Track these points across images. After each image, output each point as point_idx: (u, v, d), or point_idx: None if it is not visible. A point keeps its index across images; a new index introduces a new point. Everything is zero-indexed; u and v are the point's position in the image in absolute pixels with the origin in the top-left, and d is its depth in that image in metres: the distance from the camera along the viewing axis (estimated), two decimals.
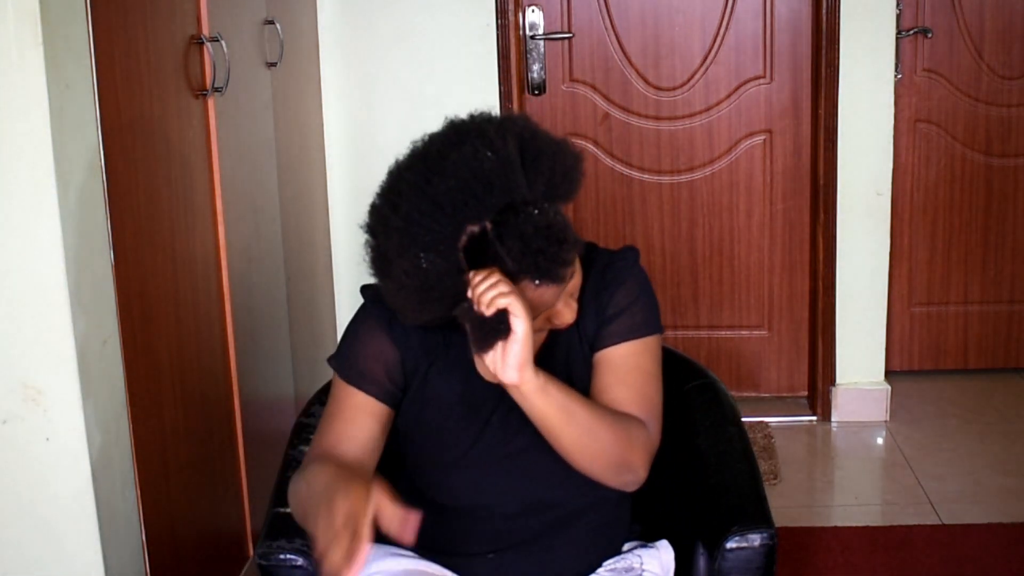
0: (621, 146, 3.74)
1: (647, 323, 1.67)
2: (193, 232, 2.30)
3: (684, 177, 3.75)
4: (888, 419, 3.70)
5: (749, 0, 3.62)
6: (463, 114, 1.54)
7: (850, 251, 3.63)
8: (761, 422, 3.67)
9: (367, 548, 1.33)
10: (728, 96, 3.69)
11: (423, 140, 1.51)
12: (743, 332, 3.85)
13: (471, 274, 1.44)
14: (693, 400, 1.92)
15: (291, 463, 1.79)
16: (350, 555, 1.31)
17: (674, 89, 3.70)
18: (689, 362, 2.01)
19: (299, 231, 3.14)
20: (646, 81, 3.69)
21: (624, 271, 1.68)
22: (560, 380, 1.54)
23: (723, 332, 3.85)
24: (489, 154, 1.43)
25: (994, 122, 3.85)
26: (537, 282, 1.46)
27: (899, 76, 3.72)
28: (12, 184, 1.72)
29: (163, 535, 2.10)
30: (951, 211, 3.92)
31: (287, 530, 1.70)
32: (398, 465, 1.76)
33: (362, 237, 1.54)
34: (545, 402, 1.51)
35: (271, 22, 2.79)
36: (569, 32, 3.65)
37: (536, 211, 1.43)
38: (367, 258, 1.52)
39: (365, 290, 1.67)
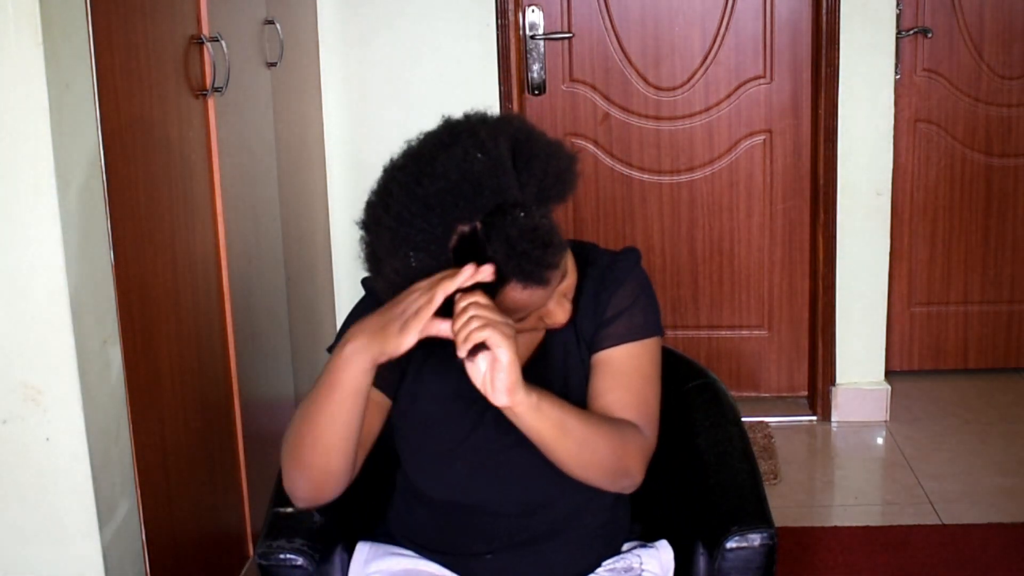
0: (621, 146, 3.74)
1: (646, 325, 1.66)
2: (193, 232, 2.30)
3: (684, 177, 3.75)
4: (888, 419, 3.70)
5: (749, 0, 3.62)
6: (460, 114, 1.54)
7: (850, 251, 3.63)
8: (761, 422, 3.67)
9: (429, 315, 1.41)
10: (728, 96, 3.69)
11: (417, 139, 1.51)
12: (743, 332, 3.85)
13: (457, 298, 1.43)
14: (693, 400, 1.92)
15: None
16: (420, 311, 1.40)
17: (674, 89, 3.70)
18: (689, 362, 2.00)
19: (299, 231, 3.14)
20: (646, 81, 3.69)
21: (624, 272, 1.68)
22: (555, 390, 1.54)
23: (723, 332, 3.85)
24: (479, 155, 1.43)
25: (994, 122, 3.85)
26: (524, 285, 1.46)
27: (899, 76, 3.72)
28: (12, 184, 1.72)
29: (163, 535, 2.10)
30: (951, 211, 3.92)
31: (287, 530, 1.69)
32: (396, 463, 1.76)
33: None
34: (539, 420, 1.50)
35: (271, 22, 2.79)
36: (569, 32, 3.65)
37: (523, 214, 1.42)
38: (362, 254, 1.53)
39: (366, 282, 1.68)
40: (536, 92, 3.67)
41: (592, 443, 1.55)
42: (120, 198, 1.94)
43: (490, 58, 3.51)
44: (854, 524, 3.02)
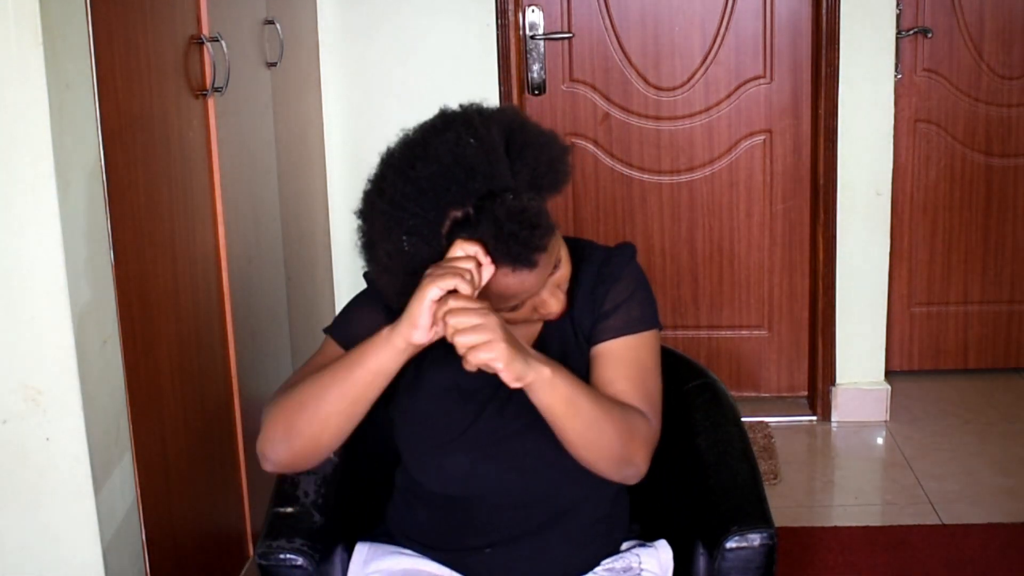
0: (621, 146, 3.74)
1: (644, 318, 1.67)
2: (193, 232, 2.30)
3: (684, 177, 3.75)
4: (888, 419, 3.70)
5: (749, 0, 3.62)
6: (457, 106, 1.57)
7: (850, 251, 3.63)
8: (761, 422, 3.67)
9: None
10: (728, 96, 3.69)
11: (414, 128, 1.54)
12: (743, 332, 3.85)
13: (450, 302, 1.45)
14: (693, 400, 1.92)
15: None
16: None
17: (674, 89, 3.70)
18: (689, 362, 2.01)
19: (299, 231, 3.14)
20: (646, 81, 3.69)
21: (620, 266, 1.69)
22: (568, 370, 1.55)
23: (723, 332, 3.85)
24: (472, 141, 1.46)
25: (994, 122, 3.85)
26: (512, 268, 1.47)
27: (899, 76, 3.72)
28: (12, 184, 1.72)
29: (163, 535, 2.10)
30: (951, 211, 3.92)
31: (287, 530, 1.70)
32: (396, 463, 1.77)
33: None
34: (551, 396, 1.52)
35: (271, 22, 2.79)
36: (569, 32, 3.65)
37: (512, 196, 1.45)
38: (359, 243, 1.55)
39: (368, 275, 1.69)
40: (536, 92, 3.67)
41: (600, 424, 1.55)
42: (120, 198, 1.94)
43: (490, 58, 3.51)
44: (854, 524, 3.02)
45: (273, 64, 2.81)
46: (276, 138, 2.85)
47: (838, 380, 3.71)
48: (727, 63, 3.67)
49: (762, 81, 3.67)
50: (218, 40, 2.34)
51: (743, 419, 1.91)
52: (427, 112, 1.57)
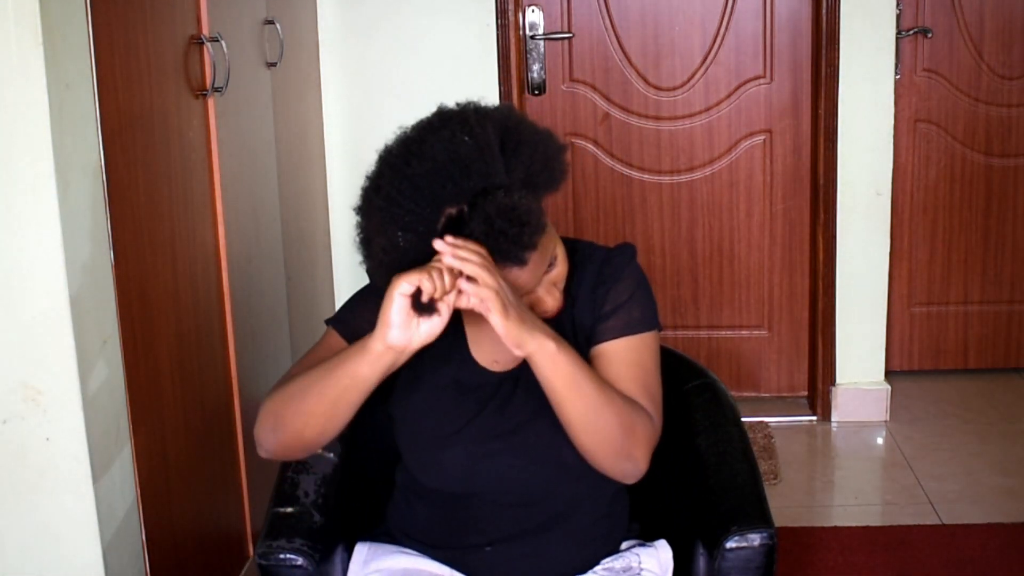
0: (621, 146, 3.74)
1: (644, 319, 1.68)
2: (193, 232, 2.30)
3: (684, 177, 3.75)
4: (888, 419, 3.70)
5: (749, 0, 3.62)
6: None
7: (850, 251, 3.63)
8: (761, 422, 3.67)
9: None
10: (728, 96, 3.69)
11: (411, 126, 1.56)
12: (743, 332, 3.85)
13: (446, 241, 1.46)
14: (693, 400, 1.92)
15: (291, 462, 1.79)
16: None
17: (674, 89, 3.70)
18: (689, 362, 2.01)
19: (299, 231, 3.14)
20: (646, 81, 3.69)
21: (620, 267, 1.69)
22: (581, 358, 1.56)
23: (723, 332, 3.85)
24: (467, 139, 1.48)
25: (994, 122, 3.85)
26: (502, 265, 1.49)
27: (899, 76, 3.72)
28: (12, 184, 1.72)
29: (163, 535, 2.10)
30: (951, 211, 3.92)
31: (287, 530, 1.70)
32: (395, 462, 1.77)
33: None
34: (553, 371, 1.53)
35: (271, 22, 2.79)
36: (569, 32, 3.65)
37: (504, 194, 1.46)
38: (356, 239, 1.57)
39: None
40: (536, 92, 3.67)
41: (601, 410, 1.55)
42: (120, 198, 1.94)
43: (490, 58, 3.51)
44: (854, 524, 3.02)
45: (273, 64, 2.81)
46: (276, 138, 2.85)
47: (838, 380, 3.71)
48: (727, 63, 3.67)
49: (762, 81, 3.67)
50: (218, 40, 2.34)
51: (743, 419, 1.91)
52: (427, 112, 1.58)
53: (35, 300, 1.76)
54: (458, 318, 1.65)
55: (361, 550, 1.74)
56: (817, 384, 3.74)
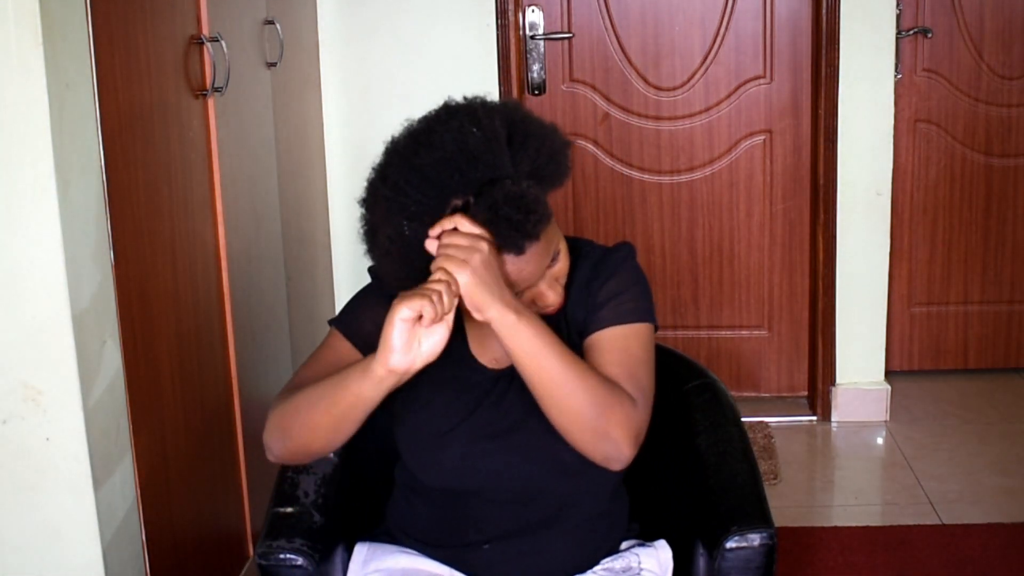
0: (621, 146, 3.74)
1: (637, 311, 1.67)
2: (193, 232, 2.30)
3: (684, 177, 3.75)
4: (888, 419, 3.70)
5: (749, 0, 3.62)
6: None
7: (850, 251, 3.63)
8: (761, 422, 3.67)
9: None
10: (728, 96, 3.69)
11: (418, 118, 1.57)
12: (743, 332, 3.85)
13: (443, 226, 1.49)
14: (693, 400, 1.92)
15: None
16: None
17: (674, 89, 3.70)
18: (689, 362, 2.00)
19: (299, 231, 3.14)
20: (646, 81, 3.69)
21: (616, 264, 1.70)
22: (552, 333, 1.56)
23: (723, 332, 3.85)
24: (475, 130, 1.49)
25: (994, 122, 3.85)
26: (503, 252, 1.50)
27: (899, 76, 3.72)
28: (12, 184, 1.72)
29: (163, 535, 2.10)
30: (951, 211, 3.92)
31: (287, 530, 1.70)
32: (395, 461, 1.77)
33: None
34: (514, 342, 1.53)
35: (271, 22, 2.79)
36: (569, 32, 3.65)
37: (511, 183, 1.47)
38: (361, 231, 1.58)
39: (372, 270, 1.70)
40: (536, 92, 3.67)
41: (570, 383, 1.54)
42: (120, 198, 1.94)
43: (490, 58, 3.51)
44: (854, 524, 3.02)
45: (273, 64, 2.81)
46: (276, 138, 2.85)
47: (838, 380, 3.71)
48: (727, 63, 3.67)
49: (762, 81, 3.67)
50: (218, 40, 2.34)
51: (743, 419, 1.91)
52: (426, 111, 1.59)
53: (35, 300, 1.76)
54: (459, 317, 1.65)
55: (361, 550, 1.74)
56: (817, 384, 3.74)
